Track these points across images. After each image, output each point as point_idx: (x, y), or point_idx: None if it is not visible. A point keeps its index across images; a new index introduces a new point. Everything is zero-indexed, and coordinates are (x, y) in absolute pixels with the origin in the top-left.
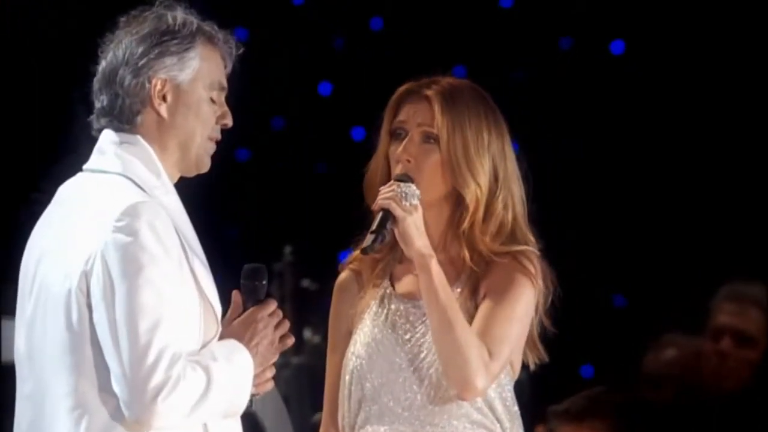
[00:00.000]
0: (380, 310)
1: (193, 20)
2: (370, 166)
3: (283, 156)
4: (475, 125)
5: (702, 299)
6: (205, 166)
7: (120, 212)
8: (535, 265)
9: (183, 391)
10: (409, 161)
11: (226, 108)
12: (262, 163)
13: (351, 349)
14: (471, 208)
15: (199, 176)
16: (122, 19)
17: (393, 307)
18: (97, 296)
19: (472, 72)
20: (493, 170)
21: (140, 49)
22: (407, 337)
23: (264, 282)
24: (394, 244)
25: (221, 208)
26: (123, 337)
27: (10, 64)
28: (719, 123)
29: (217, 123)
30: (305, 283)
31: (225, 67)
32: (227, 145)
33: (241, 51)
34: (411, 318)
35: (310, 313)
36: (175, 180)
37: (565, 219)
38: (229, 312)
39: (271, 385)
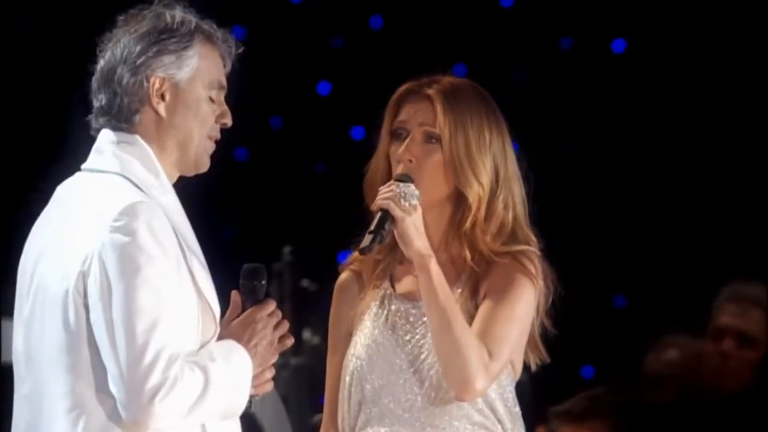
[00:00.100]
0: (380, 311)
1: (192, 19)
2: (369, 166)
3: (282, 156)
4: (476, 124)
5: (703, 300)
6: (205, 166)
7: (117, 212)
8: (535, 265)
9: (180, 392)
10: (410, 161)
11: (225, 107)
12: (260, 163)
13: (351, 350)
14: (473, 208)
15: (197, 176)
16: (120, 17)
17: (393, 308)
18: (94, 296)
19: (472, 71)
20: (495, 170)
21: (138, 48)
22: (407, 338)
23: (263, 282)
24: (394, 245)
25: (220, 208)
26: (120, 337)
27: (10, 64)
28: (721, 123)
29: (216, 122)
30: (304, 283)
31: (224, 66)
32: (226, 144)
33: (240, 50)
34: (411, 319)
35: (310, 313)
36: (174, 180)
37: (566, 219)
38: (228, 312)
39: (270, 386)
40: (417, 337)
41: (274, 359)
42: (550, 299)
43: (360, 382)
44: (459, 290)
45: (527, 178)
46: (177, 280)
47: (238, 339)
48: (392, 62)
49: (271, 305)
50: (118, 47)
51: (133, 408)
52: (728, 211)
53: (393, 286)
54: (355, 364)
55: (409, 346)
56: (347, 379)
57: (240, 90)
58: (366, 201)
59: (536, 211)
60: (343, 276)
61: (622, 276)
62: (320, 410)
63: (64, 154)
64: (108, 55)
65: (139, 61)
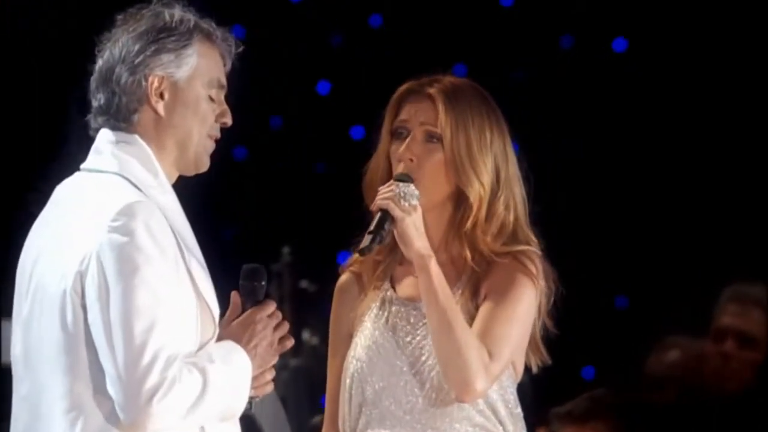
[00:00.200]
0: (381, 312)
1: (191, 17)
2: (369, 166)
3: (282, 155)
4: (477, 124)
5: (704, 300)
6: (204, 165)
7: (116, 212)
8: (536, 265)
9: (178, 394)
10: (411, 160)
11: (225, 106)
12: (260, 163)
13: (351, 352)
14: (474, 208)
15: (197, 176)
16: (119, 17)
17: (394, 309)
18: (92, 297)
19: (472, 71)
20: (496, 170)
21: (137, 47)
22: (408, 339)
23: (263, 283)
24: (395, 246)
25: (219, 207)
26: (118, 338)
27: (9, 64)
28: (722, 123)
29: (216, 121)
30: (304, 283)
31: (224, 65)
32: (225, 144)
33: (240, 49)
34: (412, 320)
35: (309, 314)
36: (174, 179)
37: (566, 219)
38: (228, 313)
39: (270, 387)
40: (418, 338)
41: (275, 360)
42: (552, 299)
43: (360, 384)
44: (459, 291)
45: (527, 178)
46: (175, 280)
47: (238, 340)
48: (392, 62)
49: (271, 306)
50: (116, 46)
51: (131, 409)
52: (729, 211)
53: (393, 288)
54: (355, 366)
55: (410, 348)
56: (348, 381)
57: (240, 89)
58: (366, 201)
59: (536, 211)
60: (344, 277)
61: (623, 276)
62: (319, 412)
63: (63, 154)
64: (106, 54)
65: (137, 60)
